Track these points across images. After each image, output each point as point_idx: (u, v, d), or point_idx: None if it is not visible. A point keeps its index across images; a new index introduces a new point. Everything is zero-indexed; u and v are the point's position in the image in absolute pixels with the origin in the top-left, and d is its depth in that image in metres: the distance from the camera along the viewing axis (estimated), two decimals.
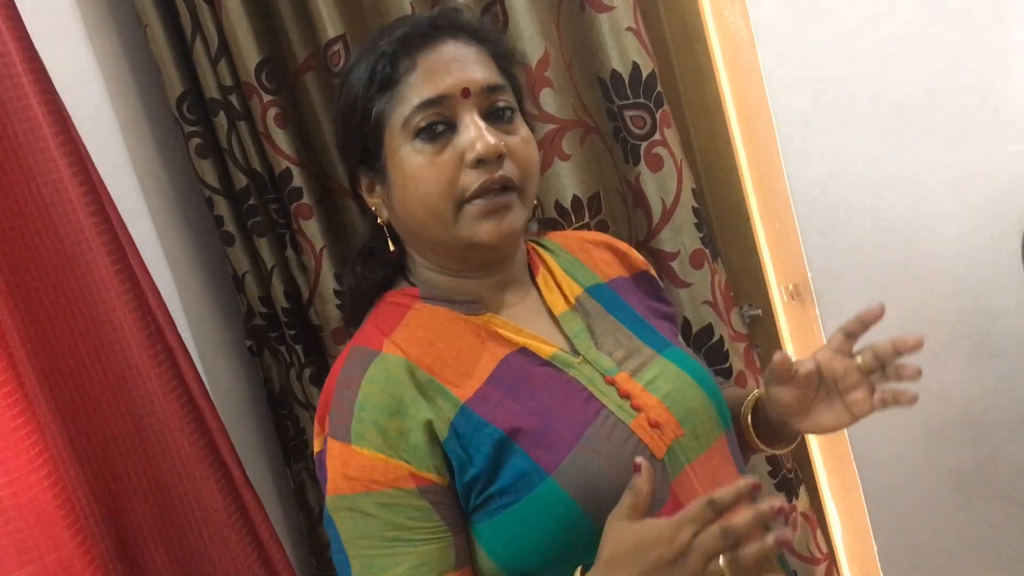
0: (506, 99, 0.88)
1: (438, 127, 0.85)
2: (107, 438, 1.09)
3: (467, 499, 0.84)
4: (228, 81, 1.45)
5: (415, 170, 0.85)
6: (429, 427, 0.83)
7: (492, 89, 0.87)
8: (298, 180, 1.45)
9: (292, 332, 1.54)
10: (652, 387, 0.89)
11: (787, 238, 1.63)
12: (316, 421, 0.88)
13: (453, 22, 0.89)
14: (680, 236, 1.39)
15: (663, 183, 1.35)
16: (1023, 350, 1.53)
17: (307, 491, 1.62)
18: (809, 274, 1.61)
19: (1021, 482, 1.61)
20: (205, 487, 1.15)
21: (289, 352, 1.57)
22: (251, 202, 1.51)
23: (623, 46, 1.31)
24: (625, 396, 0.87)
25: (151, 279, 1.20)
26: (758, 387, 1.04)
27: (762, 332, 1.63)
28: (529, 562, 0.83)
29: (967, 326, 1.55)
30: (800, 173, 1.54)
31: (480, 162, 0.84)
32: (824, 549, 1.57)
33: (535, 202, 0.93)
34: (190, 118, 1.48)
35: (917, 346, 0.86)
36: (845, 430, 1.66)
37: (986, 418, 1.60)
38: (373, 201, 0.93)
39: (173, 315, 1.22)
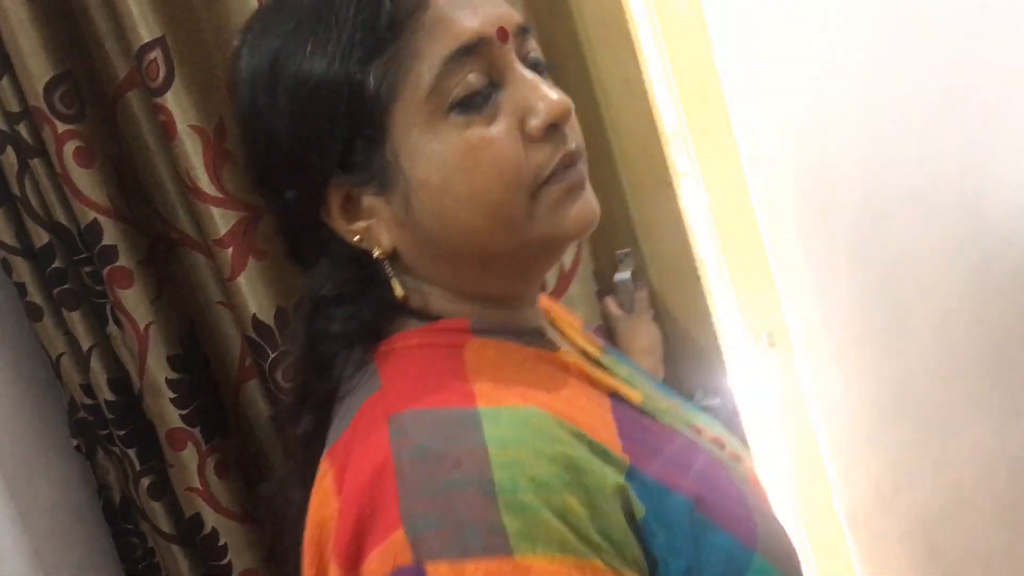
0: (536, 47, 0.66)
1: (478, 92, 0.60)
2: None
3: None
4: (15, 107, 1.11)
5: (461, 155, 0.60)
6: (623, 496, 0.56)
7: (525, 31, 0.64)
8: (111, 236, 1.10)
9: (122, 432, 1.19)
10: (713, 429, 0.75)
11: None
12: (339, 547, 0.54)
13: None
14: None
15: None
16: None
17: None
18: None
19: None
20: None
21: (122, 456, 1.21)
22: (56, 265, 1.16)
23: None
24: (718, 443, 0.71)
25: None
26: None
27: None
28: None
29: (989, 378, 1.25)
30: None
31: (552, 128, 0.61)
32: None
33: None
34: None
35: None
36: (838, 507, 1.39)
37: (1015, 489, 1.30)
38: (356, 228, 0.64)
39: None
